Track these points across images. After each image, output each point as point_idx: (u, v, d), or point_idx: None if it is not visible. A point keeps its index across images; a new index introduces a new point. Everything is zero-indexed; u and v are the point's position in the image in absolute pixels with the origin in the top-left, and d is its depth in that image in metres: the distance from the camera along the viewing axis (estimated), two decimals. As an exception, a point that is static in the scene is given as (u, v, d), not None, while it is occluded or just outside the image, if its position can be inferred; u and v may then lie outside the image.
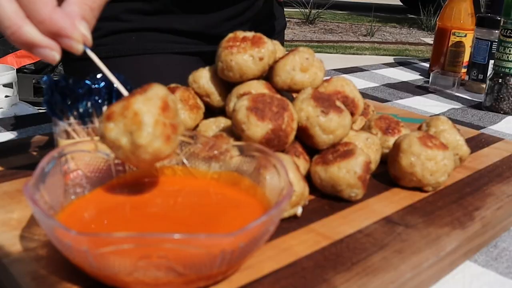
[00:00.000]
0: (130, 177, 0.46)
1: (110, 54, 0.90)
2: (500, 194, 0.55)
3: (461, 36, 1.16)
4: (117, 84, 0.44)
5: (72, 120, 0.48)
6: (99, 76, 0.49)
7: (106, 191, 0.44)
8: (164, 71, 0.96)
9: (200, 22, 0.99)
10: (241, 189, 0.45)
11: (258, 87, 0.55)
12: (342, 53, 4.75)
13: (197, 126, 0.57)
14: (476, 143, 0.69)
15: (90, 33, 0.42)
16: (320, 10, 6.51)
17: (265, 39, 0.56)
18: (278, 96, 0.50)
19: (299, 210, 0.46)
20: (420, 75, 1.27)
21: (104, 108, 0.50)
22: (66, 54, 0.41)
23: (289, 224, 0.46)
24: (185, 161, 0.48)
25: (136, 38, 0.95)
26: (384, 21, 6.78)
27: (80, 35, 0.41)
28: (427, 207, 0.51)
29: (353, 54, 4.78)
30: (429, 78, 1.14)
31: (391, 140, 0.58)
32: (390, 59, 1.51)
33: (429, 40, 5.57)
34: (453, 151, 0.57)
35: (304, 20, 6.42)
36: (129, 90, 0.52)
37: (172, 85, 0.59)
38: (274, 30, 1.17)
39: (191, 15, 0.97)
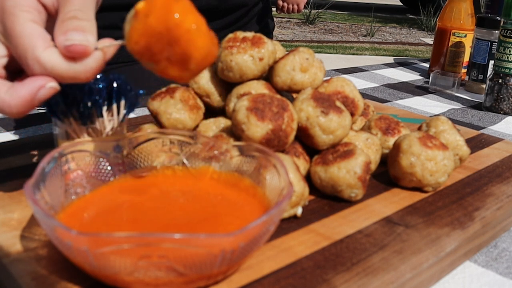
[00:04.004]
0: (130, 177, 0.46)
1: (110, 61, 0.90)
2: (500, 194, 0.55)
3: (461, 37, 1.16)
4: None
5: (72, 120, 0.48)
6: (98, 76, 0.49)
7: (106, 191, 0.44)
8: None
9: None
10: (241, 189, 0.45)
11: (258, 87, 0.55)
12: (342, 53, 4.75)
13: (197, 126, 0.57)
14: (476, 144, 0.69)
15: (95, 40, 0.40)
16: (320, 11, 6.51)
17: (265, 39, 0.56)
18: (278, 96, 0.50)
19: (299, 211, 0.46)
20: (420, 75, 1.27)
21: (104, 108, 0.50)
22: None
23: (289, 225, 0.46)
24: (185, 161, 0.48)
25: None
26: (384, 21, 6.78)
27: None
28: (427, 207, 0.51)
29: (353, 54, 4.78)
30: (429, 78, 1.14)
31: (391, 141, 0.58)
32: (390, 59, 1.51)
33: (429, 40, 5.57)
34: (453, 152, 0.57)
35: (304, 20, 6.42)
36: (129, 91, 0.52)
37: (172, 85, 0.59)
38: (269, 28, 1.18)
39: None
